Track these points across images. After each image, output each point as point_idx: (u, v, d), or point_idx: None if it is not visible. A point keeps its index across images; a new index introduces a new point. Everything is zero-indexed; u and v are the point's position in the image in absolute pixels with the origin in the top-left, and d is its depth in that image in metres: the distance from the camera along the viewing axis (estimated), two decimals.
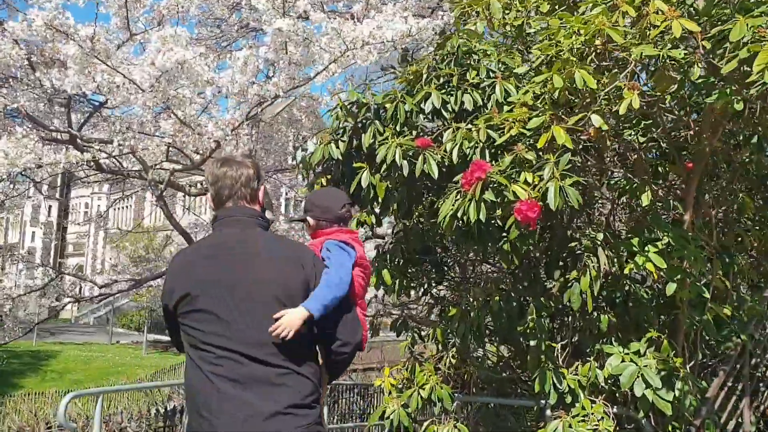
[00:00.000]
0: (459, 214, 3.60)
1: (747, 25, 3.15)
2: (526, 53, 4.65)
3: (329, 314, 2.50)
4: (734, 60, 3.17)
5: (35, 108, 5.79)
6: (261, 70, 4.92)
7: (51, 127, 5.86)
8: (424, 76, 4.32)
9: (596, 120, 3.47)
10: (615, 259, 4.12)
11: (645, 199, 4.13)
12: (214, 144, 5.12)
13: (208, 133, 4.87)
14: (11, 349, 19.86)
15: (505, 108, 4.05)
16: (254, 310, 2.39)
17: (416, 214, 4.83)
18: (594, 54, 3.63)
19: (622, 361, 4.12)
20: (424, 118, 4.40)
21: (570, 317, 4.54)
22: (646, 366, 4.02)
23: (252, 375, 2.34)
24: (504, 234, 3.79)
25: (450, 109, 4.18)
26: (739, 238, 4.91)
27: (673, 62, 3.54)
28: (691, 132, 4.40)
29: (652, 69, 3.96)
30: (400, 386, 4.94)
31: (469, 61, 4.34)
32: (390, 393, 4.88)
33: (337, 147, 4.43)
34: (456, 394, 4.72)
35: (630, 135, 4.26)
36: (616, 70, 3.65)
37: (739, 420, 5.15)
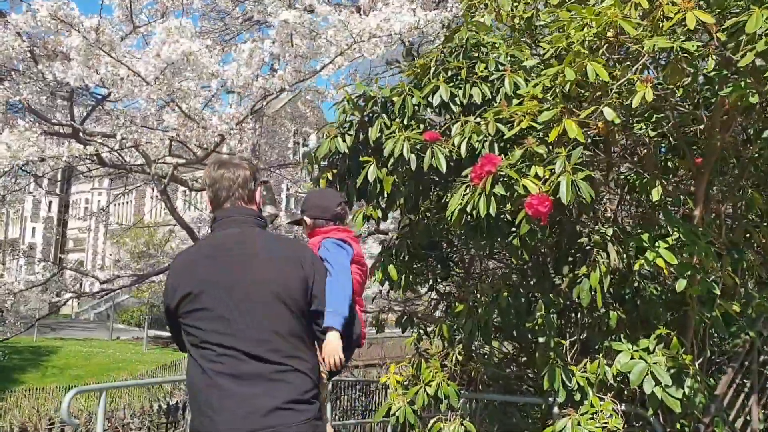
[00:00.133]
0: (468, 209, 3.55)
1: (763, 16, 3.09)
2: (534, 46, 4.60)
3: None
4: (750, 53, 3.12)
5: (37, 101, 5.73)
6: (266, 63, 4.86)
7: (53, 120, 5.81)
8: (432, 69, 4.26)
9: (609, 113, 3.41)
10: (624, 255, 4.08)
11: (655, 194, 4.08)
12: (219, 138, 5.06)
13: (212, 126, 4.81)
14: (12, 345, 19.83)
15: (514, 101, 4.00)
16: (254, 309, 2.44)
17: (423, 208, 4.77)
18: (606, 46, 3.57)
19: (632, 358, 4.07)
20: (432, 112, 4.35)
21: (578, 314, 4.49)
22: (655, 363, 3.97)
23: (252, 372, 2.38)
24: (513, 229, 3.74)
25: (458, 102, 4.12)
26: (747, 234, 4.86)
27: (685, 55, 3.48)
28: (701, 126, 4.35)
29: (663, 62, 3.91)
30: (405, 383, 4.89)
31: (477, 54, 4.28)
32: (395, 390, 4.83)
33: (344, 141, 4.38)
34: (462, 391, 4.68)
35: (640, 129, 4.20)
36: (628, 62, 3.59)
37: (748, 418, 5.10)
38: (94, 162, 6.09)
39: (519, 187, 3.46)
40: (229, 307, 2.44)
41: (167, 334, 35.24)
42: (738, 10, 3.45)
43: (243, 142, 5.28)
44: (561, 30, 3.86)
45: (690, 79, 3.50)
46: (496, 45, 4.33)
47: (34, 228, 52.03)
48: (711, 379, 4.71)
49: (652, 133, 4.20)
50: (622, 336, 4.30)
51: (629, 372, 4.00)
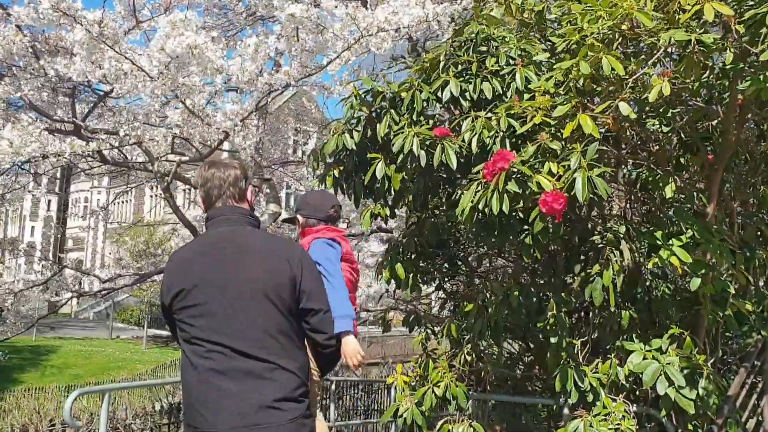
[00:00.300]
0: (480, 206, 3.47)
1: None
2: (543, 40, 4.52)
3: (320, 309, 2.65)
4: None
5: (38, 98, 5.65)
6: (271, 58, 4.78)
7: (55, 117, 5.73)
8: (441, 63, 4.19)
9: (624, 108, 3.34)
10: (636, 253, 4.01)
11: (669, 191, 4.01)
12: (223, 135, 4.98)
13: (216, 123, 4.73)
14: (11, 344, 19.75)
15: (525, 96, 3.92)
16: (244, 307, 2.49)
17: (431, 206, 4.70)
18: (620, 39, 3.50)
19: (644, 358, 4.00)
20: (441, 107, 4.27)
21: (590, 313, 4.41)
22: (668, 363, 3.90)
23: (241, 369, 2.44)
24: (526, 227, 3.67)
25: (468, 97, 4.04)
26: (758, 232, 4.79)
27: (701, 48, 3.40)
28: (713, 122, 4.28)
29: (676, 55, 3.83)
30: (412, 384, 4.82)
31: (487, 48, 4.20)
32: (403, 390, 4.76)
33: (351, 137, 4.30)
34: (471, 392, 4.61)
35: (653, 124, 4.13)
36: (643, 56, 3.52)
37: (760, 418, 5.03)
38: (96, 160, 6.00)
39: (532, 184, 3.38)
40: (220, 305, 2.49)
41: (167, 333, 35.30)
42: (756, 2, 3.38)
43: (247, 139, 5.18)
44: (572, 23, 3.79)
45: (707, 72, 3.42)
46: (506, 39, 4.25)
47: (33, 227, 51.89)
48: (723, 380, 4.65)
49: (665, 129, 4.13)
50: (633, 336, 4.23)
51: (641, 372, 3.94)
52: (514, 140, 3.79)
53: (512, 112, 3.78)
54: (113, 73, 4.29)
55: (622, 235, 3.91)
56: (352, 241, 11.50)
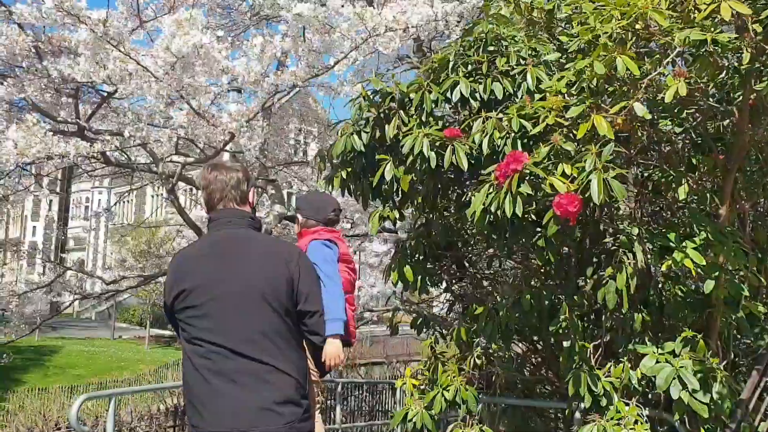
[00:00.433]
0: (493, 208, 3.42)
1: None
2: (552, 40, 4.46)
3: (316, 311, 2.72)
4: None
5: (41, 99, 5.60)
6: (277, 58, 4.72)
7: (58, 118, 5.67)
8: (451, 63, 4.13)
9: (639, 109, 3.28)
10: (648, 256, 3.95)
11: (682, 192, 3.96)
12: (229, 136, 4.92)
13: (222, 124, 4.67)
14: (14, 345, 19.77)
15: (536, 96, 3.87)
16: (242, 309, 2.55)
17: (440, 207, 4.64)
18: (633, 39, 3.44)
19: (657, 361, 3.94)
20: (450, 108, 4.22)
21: (601, 316, 4.35)
22: (682, 367, 3.84)
23: (239, 370, 2.49)
24: (538, 229, 3.62)
25: (478, 97, 3.99)
26: None
27: (716, 47, 3.35)
28: (724, 122, 4.23)
29: (689, 55, 3.77)
30: (421, 387, 4.77)
31: (497, 48, 4.14)
32: (412, 394, 4.71)
33: (360, 138, 4.24)
34: (480, 396, 4.56)
35: (666, 125, 4.07)
36: (657, 55, 3.47)
37: None
38: (100, 161, 5.95)
39: (546, 186, 3.33)
40: (220, 306, 2.55)
41: (169, 332, 35.46)
42: None
43: (252, 140, 5.13)
44: (583, 23, 3.74)
45: (724, 73, 3.36)
46: (516, 38, 4.20)
47: (34, 227, 51.93)
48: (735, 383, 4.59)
49: (678, 129, 4.07)
50: (646, 339, 4.18)
51: (654, 376, 3.89)
52: (525, 141, 3.73)
53: (524, 112, 3.72)
54: (118, 74, 4.23)
55: (635, 237, 3.85)
56: (355, 241, 11.49)
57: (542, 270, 4.39)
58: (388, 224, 8.74)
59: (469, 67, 4.10)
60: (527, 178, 3.37)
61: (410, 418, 4.53)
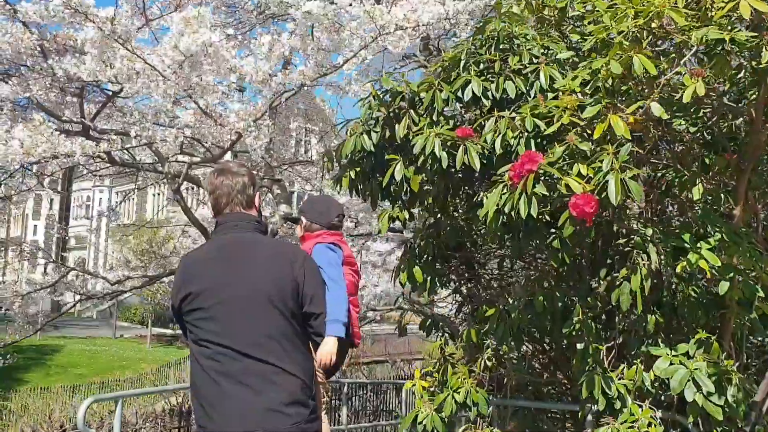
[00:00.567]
0: (506, 209, 3.37)
1: None
2: (562, 38, 4.41)
3: (321, 312, 2.75)
4: None
5: (46, 98, 5.55)
6: (285, 57, 4.67)
7: (63, 117, 5.62)
8: (462, 62, 4.07)
9: (656, 109, 3.23)
10: (662, 256, 3.90)
11: (696, 193, 3.91)
12: (236, 135, 4.87)
13: (230, 124, 4.62)
14: (15, 344, 19.75)
15: (549, 95, 3.82)
16: (248, 311, 2.59)
17: (451, 208, 4.59)
18: (649, 38, 3.39)
19: (671, 363, 3.90)
20: (461, 107, 4.16)
21: (613, 318, 4.31)
22: (696, 369, 3.79)
23: (246, 371, 2.52)
24: (553, 230, 3.57)
25: (490, 96, 3.93)
26: None
27: (734, 46, 3.30)
28: (737, 121, 4.18)
29: (702, 54, 3.72)
30: (431, 389, 4.73)
31: (509, 46, 4.09)
32: (421, 396, 4.66)
33: (370, 138, 4.19)
34: (491, 398, 4.51)
35: (679, 125, 4.02)
36: (673, 54, 3.42)
37: None
38: (104, 160, 5.90)
39: (561, 186, 3.28)
40: (226, 309, 2.59)
41: (171, 331, 35.42)
42: None
43: (258, 140, 5.07)
44: (597, 21, 3.69)
45: (742, 72, 3.31)
46: (528, 37, 4.14)
47: (35, 226, 51.93)
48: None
49: (692, 129, 4.02)
50: (659, 340, 4.13)
51: (668, 378, 3.84)
52: (539, 141, 3.68)
53: (537, 111, 3.67)
54: (125, 73, 4.18)
55: (649, 238, 3.80)
56: (359, 241, 11.45)
57: (554, 271, 4.34)
58: (395, 225, 8.68)
59: (481, 66, 4.05)
60: (542, 178, 3.32)
61: (420, 421, 4.48)
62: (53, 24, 4.60)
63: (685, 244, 3.70)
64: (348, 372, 11.58)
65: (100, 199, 50.60)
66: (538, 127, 3.64)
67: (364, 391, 12.08)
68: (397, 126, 4.13)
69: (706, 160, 4.37)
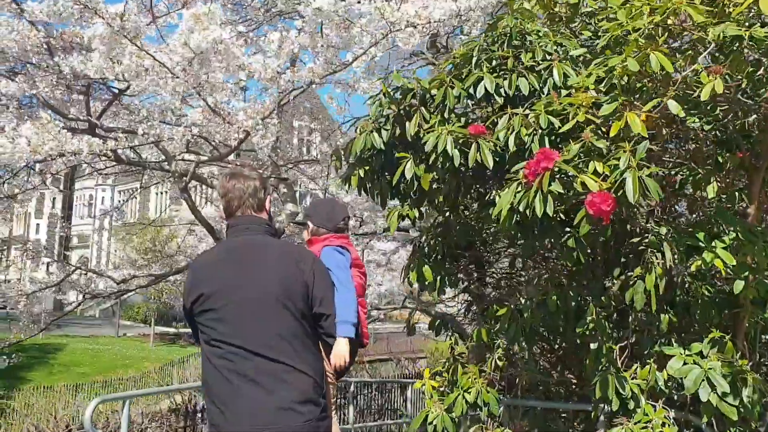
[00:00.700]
0: (521, 208, 3.32)
1: None
2: (574, 35, 4.37)
3: (331, 314, 2.81)
4: None
5: (52, 96, 5.51)
6: (295, 54, 4.62)
7: (69, 115, 5.58)
8: (474, 58, 4.03)
9: (674, 106, 3.19)
10: (676, 255, 3.86)
11: (711, 191, 3.87)
12: (243, 134, 4.83)
13: (238, 122, 4.57)
14: (19, 343, 19.74)
15: (563, 93, 3.77)
16: (259, 312, 2.63)
17: (461, 207, 4.55)
18: (665, 35, 3.35)
19: (685, 363, 3.86)
20: (473, 105, 4.12)
21: (625, 317, 4.27)
22: (711, 369, 3.76)
23: (258, 370, 2.56)
24: (567, 229, 3.53)
25: (503, 93, 3.89)
26: None
27: (751, 43, 3.26)
28: (750, 119, 4.13)
29: (716, 51, 3.68)
30: (441, 389, 4.69)
31: (522, 43, 4.05)
32: (431, 396, 4.63)
33: (380, 135, 4.15)
34: (501, 398, 4.48)
35: (693, 122, 3.97)
36: (690, 51, 3.37)
37: None
38: (110, 159, 5.86)
39: (577, 184, 3.24)
40: (238, 310, 2.63)
41: (173, 330, 35.35)
42: None
43: (265, 138, 5.03)
44: (610, 18, 3.65)
45: (762, 69, 3.27)
46: (541, 33, 4.10)
47: (38, 224, 51.94)
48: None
49: (707, 127, 3.97)
50: (673, 340, 4.09)
51: (681, 378, 3.80)
52: (553, 138, 3.64)
53: (551, 109, 3.63)
54: (134, 69, 4.14)
55: (663, 237, 3.76)
56: (363, 239, 11.41)
57: (566, 270, 4.30)
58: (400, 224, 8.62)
59: (494, 63, 4.00)
60: (557, 176, 3.28)
61: (430, 421, 4.45)
62: (60, 22, 4.56)
63: (700, 243, 3.66)
64: (352, 371, 11.53)
65: (103, 198, 50.59)
66: (552, 125, 3.59)
67: (369, 390, 12.05)
68: (407, 123, 4.09)
69: (719, 159, 4.33)
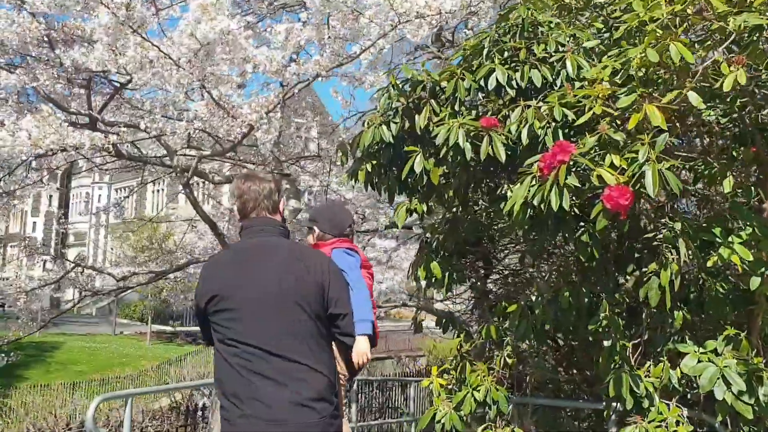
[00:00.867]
0: (535, 202, 3.25)
1: None
2: (586, 26, 4.30)
3: (347, 313, 2.86)
4: None
5: (52, 89, 5.42)
6: (302, 46, 4.53)
7: (70, 109, 5.48)
8: (486, 50, 3.95)
9: (694, 98, 3.12)
10: (690, 251, 3.79)
11: (727, 186, 3.80)
12: (247, 128, 4.74)
13: (242, 115, 4.49)
14: (17, 341, 19.64)
15: (576, 85, 3.70)
16: (277, 312, 2.67)
17: (471, 201, 4.47)
18: (684, 26, 3.27)
19: (699, 361, 3.79)
20: (483, 97, 4.04)
21: (637, 314, 4.19)
22: (726, 367, 3.68)
23: (275, 369, 2.60)
24: (582, 223, 3.46)
25: (515, 85, 3.81)
26: None
27: None
28: (763, 112, 4.06)
29: (734, 41, 3.60)
30: (449, 387, 4.62)
31: (534, 34, 3.97)
32: (439, 394, 4.55)
33: (389, 129, 4.07)
34: (511, 396, 4.41)
35: (708, 115, 3.90)
36: (709, 42, 3.30)
37: None
38: (111, 154, 5.76)
39: (593, 178, 3.16)
40: (254, 310, 2.66)
41: (170, 328, 35.27)
42: None
43: (269, 133, 4.94)
44: (628, 9, 3.58)
45: None
46: (553, 25, 4.02)
47: (34, 222, 51.79)
48: None
49: (722, 120, 3.90)
50: (687, 337, 4.02)
51: (697, 376, 3.73)
52: (566, 131, 3.56)
53: (565, 101, 3.55)
54: (138, 61, 4.05)
55: (678, 232, 3.68)
56: (365, 237, 11.35)
57: (577, 266, 4.22)
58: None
59: (505, 54, 3.93)
60: (573, 169, 3.21)
61: (438, 419, 4.38)
62: (62, 13, 4.48)
63: (717, 239, 3.59)
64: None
65: (100, 195, 50.45)
66: (565, 117, 3.52)
67: (370, 389, 11.98)
68: (417, 116, 4.02)
69: (734, 153, 4.26)
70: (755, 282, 3.56)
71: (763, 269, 3.56)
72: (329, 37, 4.28)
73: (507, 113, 3.78)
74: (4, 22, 4.73)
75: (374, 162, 4.37)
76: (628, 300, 4.01)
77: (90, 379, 21.58)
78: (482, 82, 3.89)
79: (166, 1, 5.24)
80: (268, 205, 2.90)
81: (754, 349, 3.86)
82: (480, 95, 4.08)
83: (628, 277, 3.94)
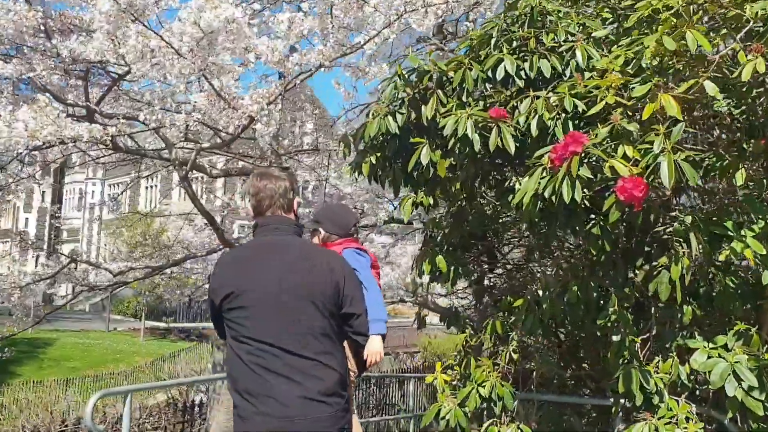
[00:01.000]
0: (546, 194, 3.18)
1: None
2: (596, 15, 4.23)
3: (360, 313, 2.88)
4: None
5: (49, 81, 5.32)
6: (305, 36, 4.44)
7: (67, 101, 5.38)
8: (494, 39, 3.87)
9: (710, 87, 3.05)
10: (702, 245, 3.73)
11: (740, 178, 3.73)
12: (247, 120, 4.65)
13: (243, 106, 4.40)
14: (11, 337, 19.49)
15: (586, 75, 3.63)
16: (291, 310, 2.69)
17: (478, 194, 4.40)
18: (700, 13, 3.21)
19: (709, 356, 3.73)
20: (491, 87, 3.96)
21: (645, 309, 4.13)
22: (737, 362, 3.63)
23: (288, 366, 2.63)
24: (593, 216, 3.39)
25: (524, 75, 3.74)
26: None
27: None
28: None
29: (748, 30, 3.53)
30: (453, 383, 4.55)
31: (543, 23, 3.90)
32: (443, 391, 4.48)
33: (395, 120, 3.99)
34: (516, 392, 4.34)
35: (720, 105, 3.83)
36: (725, 31, 3.23)
37: None
38: (108, 147, 5.66)
39: (606, 169, 3.09)
40: (268, 308, 2.68)
41: (164, 325, 35.12)
42: None
43: (269, 126, 4.85)
44: None
45: None
46: (561, 14, 3.95)
47: (27, 218, 51.54)
48: None
49: (735, 111, 3.83)
50: (696, 332, 3.96)
51: (706, 372, 3.67)
52: (577, 122, 3.49)
53: (575, 91, 3.48)
54: (139, 50, 3.96)
55: (689, 226, 3.62)
56: (363, 232, 11.28)
57: (586, 260, 4.15)
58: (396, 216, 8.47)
59: (514, 44, 3.85)
60: (585, 160, 3.14)
61: (443, 416, 4.31)
62: (59, 2, 4.40)
63: (729, 232, 3.53)
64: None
65: (93, 191, 50.21)
66: (576, 108, 3.45)
67: (368, 385, 11.92)
68: (423, 107, 3.94)
69: (744, 145, 4.20)
70: (767, 276, 3.50)
71: None
72: (333, 26, 4.20)
73: (515, 104, 3.71)
74: (0, 11, 4.63)
75: (378, 154, 4.30)
76: (636, 294, 3.94)
77: (83, 375, 21.43)
78: (490, 73, 3.82)
79: None
80: (283, 203, 2.90)
81: (764, 345, 3.80)
82: (487, 86, 4.00)
83: (637, 271, 3.86)
